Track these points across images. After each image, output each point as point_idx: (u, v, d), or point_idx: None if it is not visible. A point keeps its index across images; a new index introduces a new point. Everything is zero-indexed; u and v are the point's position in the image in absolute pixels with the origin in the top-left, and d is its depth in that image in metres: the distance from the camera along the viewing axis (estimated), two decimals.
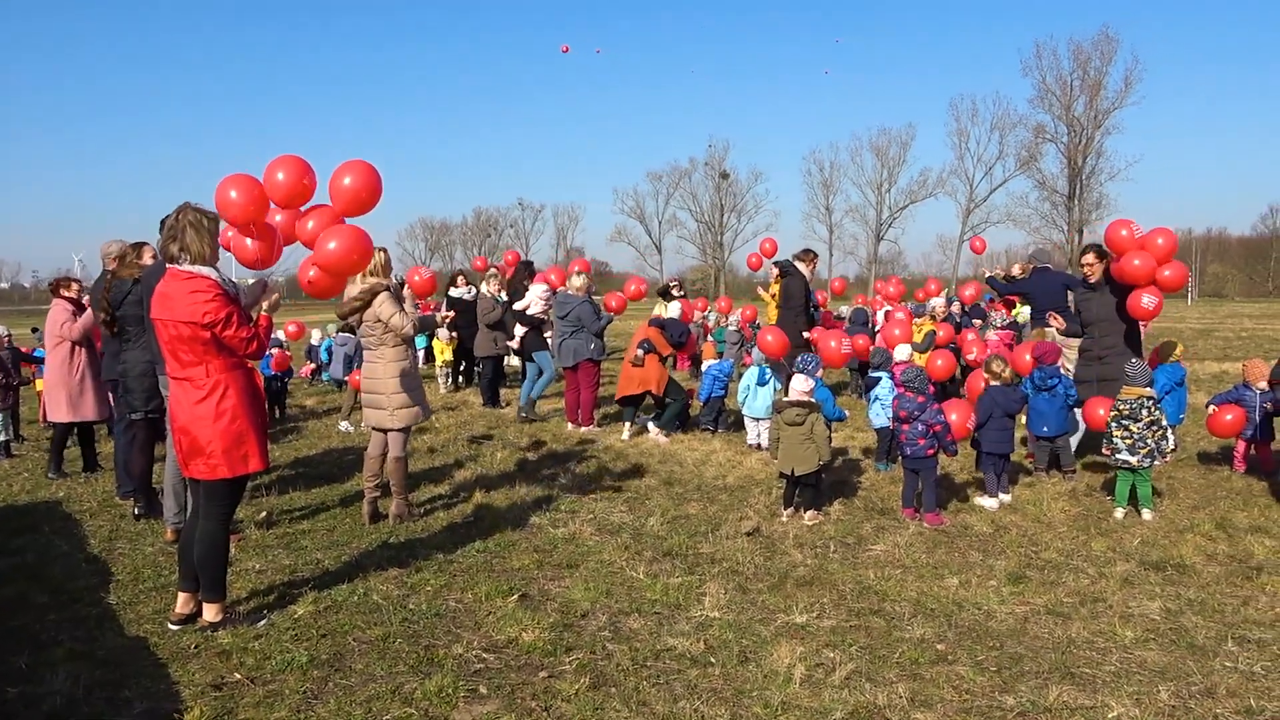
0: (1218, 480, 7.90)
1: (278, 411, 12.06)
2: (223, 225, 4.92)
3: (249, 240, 5.06)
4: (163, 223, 4.84)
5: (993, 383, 7.41)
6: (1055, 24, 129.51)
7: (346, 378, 12.33)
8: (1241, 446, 8.19)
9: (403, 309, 6.72)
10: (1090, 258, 8.31)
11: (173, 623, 4.69)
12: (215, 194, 4.92)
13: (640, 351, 9.95)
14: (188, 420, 4.56)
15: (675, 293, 17.28)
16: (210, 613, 4.66)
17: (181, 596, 4.77)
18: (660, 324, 10.16)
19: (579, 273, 10.65)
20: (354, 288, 6.63)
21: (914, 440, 6.68)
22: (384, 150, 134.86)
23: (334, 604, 5.00)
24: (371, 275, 6.68)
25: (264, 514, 6.82)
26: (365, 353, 6.84)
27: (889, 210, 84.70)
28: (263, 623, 4.71)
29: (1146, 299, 7.57)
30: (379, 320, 6.61)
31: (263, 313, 4.91)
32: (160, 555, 5.95)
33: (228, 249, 5.17)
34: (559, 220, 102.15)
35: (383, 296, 6.57)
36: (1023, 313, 13.09)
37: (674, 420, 10.17)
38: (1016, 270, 14.63)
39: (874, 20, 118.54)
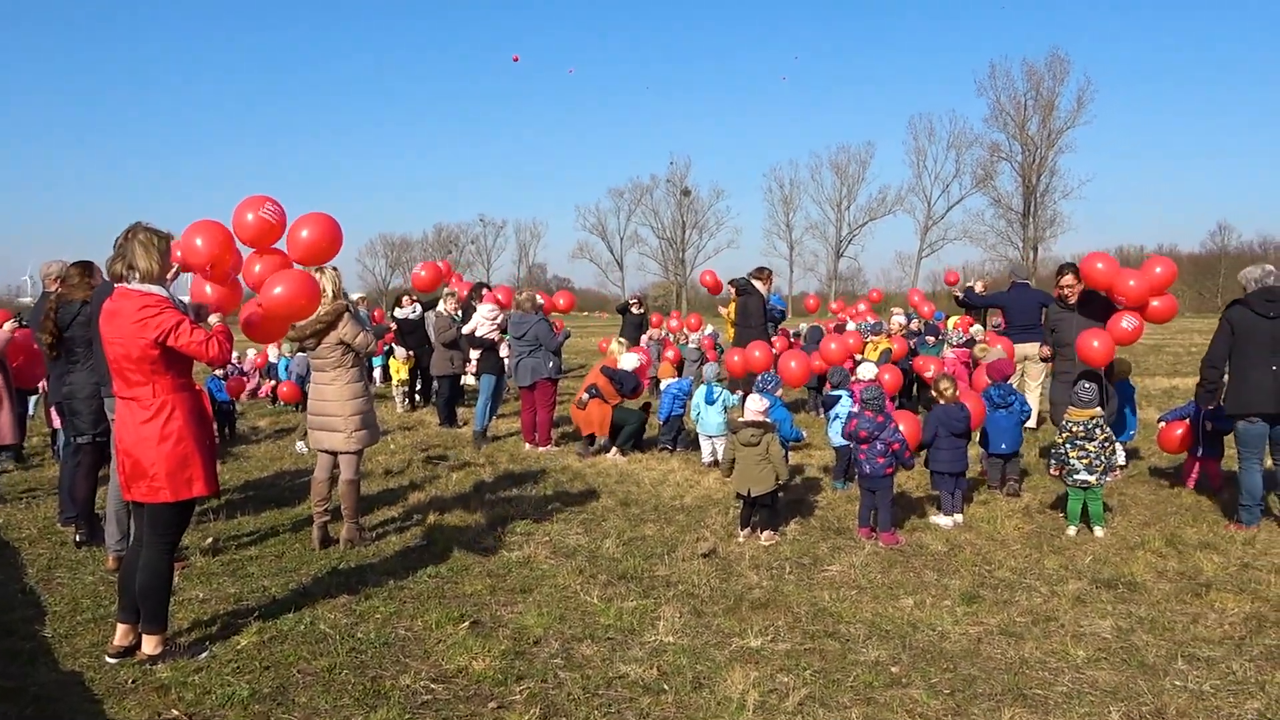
0: (1168, 496, 7.99)
1: (228, 431, 11.85)
2: (178, 253, 4.83)
3: (208, 287, 5.03)
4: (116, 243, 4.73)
5: (939, 401, 7.46)
6: (1009, 45, 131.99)
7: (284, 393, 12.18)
8: (1192, 464, 8.29)
9: (365, 328, 6.70)
10: (1069, 279, 8.29)
11: (110, 656, 4.54)
12: (181, 238, 4.89)
13: (586, 396, 9.99)
14: (132, 442, 4.45)
15: (635, 309, 17.31)
16: (150, 645, 4.52)
17: (120, 628, 4.62)
18: (611, 375, 10.08)
19: (520, 290, 10.66)
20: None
21: (873, 459, 6.69)
22: (343, 164, 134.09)
23: (279, 634, 4.88)
24: (324, 294, 6.61)
25: (210, 540, 6.67)
26: (317, 374, 6.72)
27: (848, 227, 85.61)
28: (204, 655, 4.58)
29: (1127, 321, 7.62)
30: (341, 342, 6.55)
31: (216, 325, 4.83)
32: (100, 584, 5.78)
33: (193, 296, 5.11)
34: (521, 236, 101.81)
35: (346, 318, 6.55)
36: (977, 330, 13.24)
37: (630, 440, 10.13)
38: (979, 287, 14.82)
39: (833, 39, 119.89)
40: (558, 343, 10.63)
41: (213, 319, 4.85)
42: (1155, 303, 7.73)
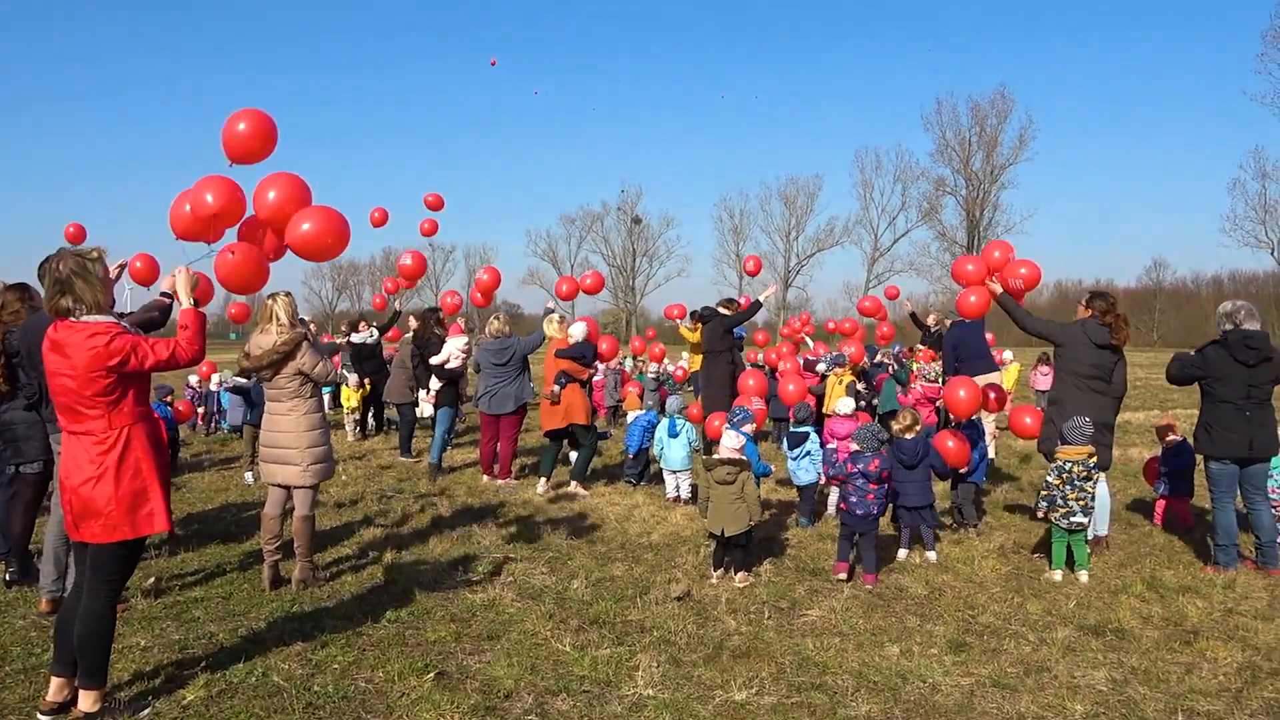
0: (1139, 536, 7.92)
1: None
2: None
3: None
4: (42, 268, 4.39)
5: (902, 436, 7.31)
6: (955, 82, 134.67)
7: (242, 424, 11.69)
8: (1160, 503, 8.25)
9: (323, 357, 6.38)
10: (1081, 307, 7.52)
11: (43, 713, 4.15)
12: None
13: (557, 387, 9.62)
14: (83, 479, 4.09)
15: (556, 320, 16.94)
16: (87, 701, 4.13)
17: (55, 682, 4.23)
18: (569, 354, 9.73)
19: (496, 316, 10.30)
20: (266, 338, 6.29)
21: (863, 498, 6.50)
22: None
23: (229, 687, 4.52)
24: (280, 323, 6.31)
25: (152, 580, 6.25)
26: (273, 405, 6.37)
27: (797, 258, 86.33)
28: (146, 712, 4.21)
29: (974, 297, 7.94)
30: (300, 372, 6.25)
31: (183, 306, 4.50)
32: (32, 630, 5.36)
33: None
34: (470, 261, 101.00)
35: (305, 346, 6.27)
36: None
37: (585, 468, 9.83)
38: (931, 320, 14.82)
39: (784, 71, 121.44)
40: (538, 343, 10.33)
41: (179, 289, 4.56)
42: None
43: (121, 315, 4.42)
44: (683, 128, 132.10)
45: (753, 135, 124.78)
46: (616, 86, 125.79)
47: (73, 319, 4.11)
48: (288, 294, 6.47)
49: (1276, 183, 61.89)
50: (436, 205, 14.09)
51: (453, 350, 10.94)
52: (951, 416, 8.22)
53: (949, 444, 7.40)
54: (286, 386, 6.26)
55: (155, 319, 5.84)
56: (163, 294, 4.97)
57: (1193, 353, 7.09)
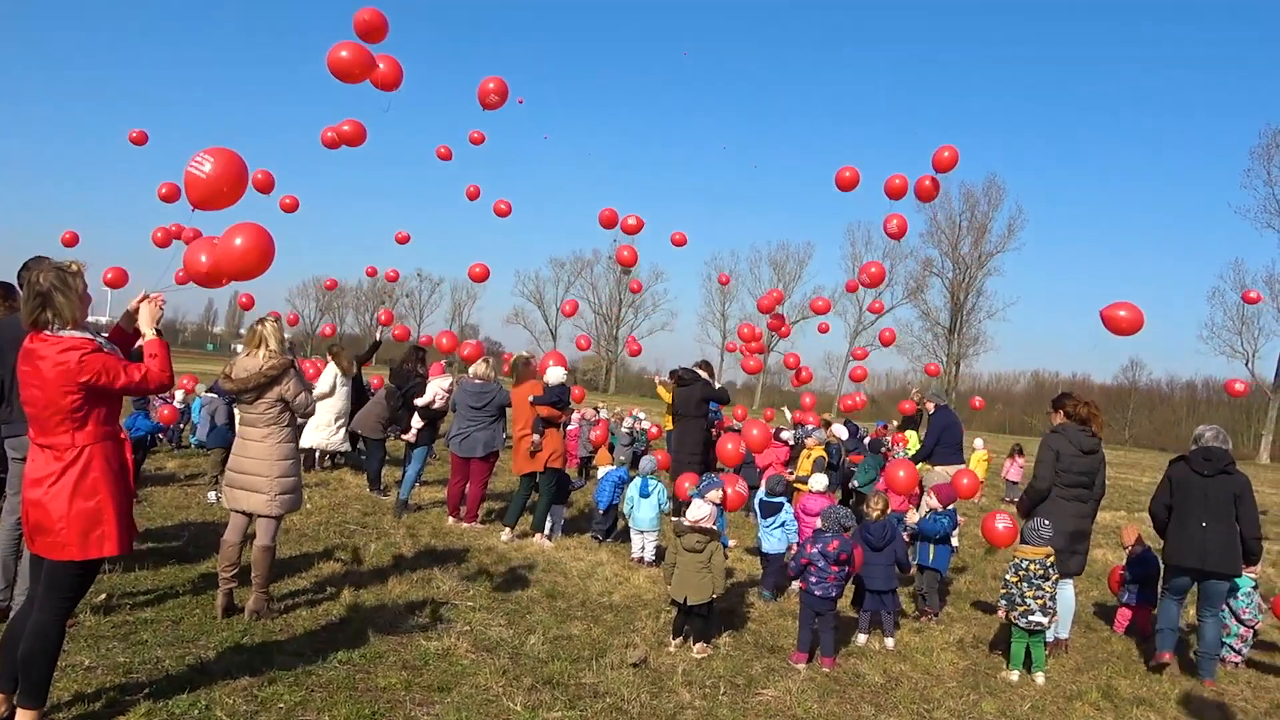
0: (1099, 641, 7.92)
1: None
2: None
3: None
4: (21, 275, 4.36)
5: (870, 517, 7.33)
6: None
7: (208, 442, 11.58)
8: (1123, 611, 8.27)
9: (307, 388, 6.35)
10: (1051, 411, 7.72)
11: None
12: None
13: (537, 437, 9.57)
14: (42, 492, 4.04)
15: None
16: None
17: None
18: (544, 401, 9.67)
19: (484, 359, 10.29)
20: (252, 360, 6.26)
21: (824, 581, 6.48)
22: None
23: (170, 717, 4.43)
24: (270, 349, 6.30)
25: (103, 596, 6.15)
26: (246, 429, 6.31)
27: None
28: None
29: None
30: (281, 399, 6.21)
31: (146, 338, 4.47)
32: None
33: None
34: (457, 295, 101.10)
35: (291, 373, 6.24)
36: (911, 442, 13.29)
37: (547, 519, 9.74)
38: (915, 395, 14.96)
39: (784, 140, 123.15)
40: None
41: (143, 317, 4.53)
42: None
43: (99, 333, 4.38)
44: (681, 184, 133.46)
45: (748, 198, 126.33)
46: (619, 135, 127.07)
47: (48, 332, 4.09)
48: (276, 318, 6.45)
49: None
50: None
51: (437, 390, 10.91)
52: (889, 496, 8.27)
53: (999, 525, 7.54)
54: (266, 413, 6.21)
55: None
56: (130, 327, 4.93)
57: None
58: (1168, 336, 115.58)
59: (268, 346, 6.28)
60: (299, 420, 6.59)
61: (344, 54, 7.09)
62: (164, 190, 11.85)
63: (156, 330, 4.53)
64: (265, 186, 11.02)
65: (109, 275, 14.36)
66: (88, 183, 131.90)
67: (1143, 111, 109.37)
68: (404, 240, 16.37)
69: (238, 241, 4.82)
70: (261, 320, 6.36)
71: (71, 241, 13.30)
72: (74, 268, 4.28)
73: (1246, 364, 64.49)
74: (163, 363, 4.34)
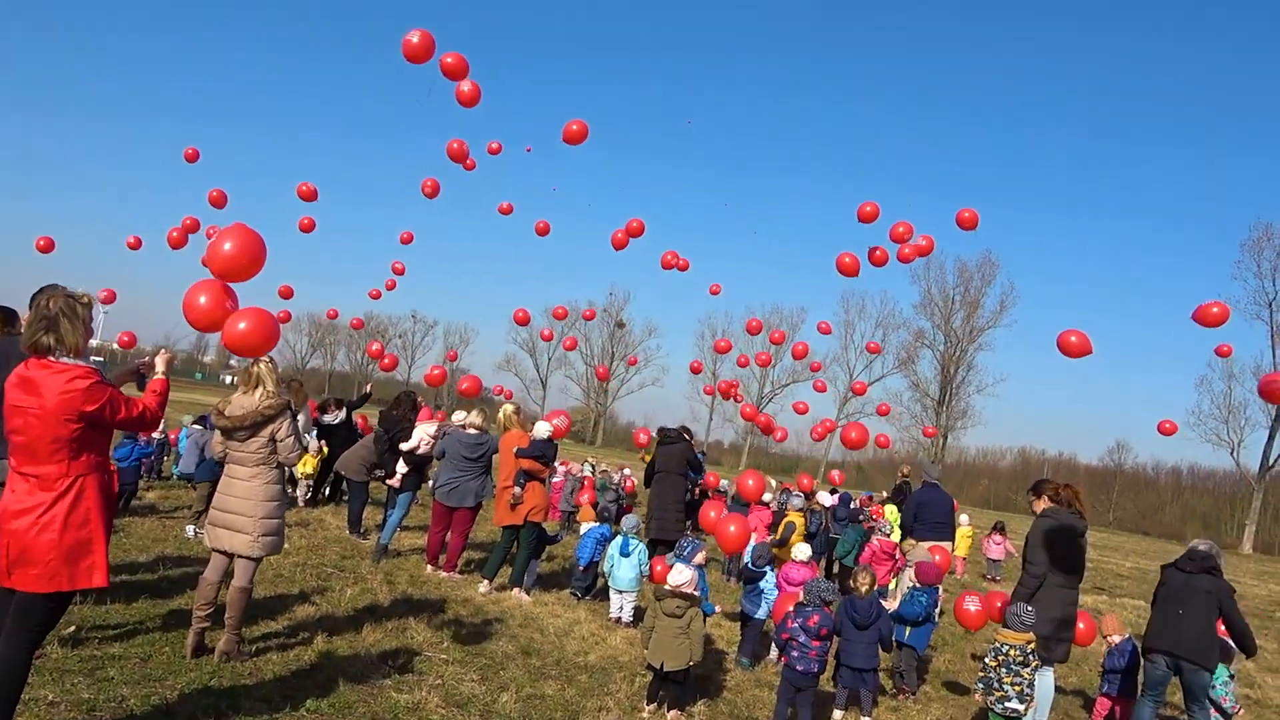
0: None
1: (123, 501, 11.03)
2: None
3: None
4: (33, 300, 4.38)
5: (857, 593, 7.28)
6: (946, 242, 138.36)
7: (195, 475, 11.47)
8: (1103, 701, 8.20)
9: (299, 437, 6.36)
10: (1032, 498, 7.61)
11: None
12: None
13: (518, 489, 9.54)
14: (28, 523, 4.01)
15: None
16: None
17: None
18: (527, 454, 9.63)
19: (480, 411, 10.28)
20: (248, 399, 6.25)
21: (805, 655, 6.42)
22: (284, 236, 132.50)
23: None
24: (268, 389, 6.31)
25: (72, 628, 6.06)
26: (234, 468, 6.26)
27: (771, 385, 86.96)
28: None
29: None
30: (273, 439, 6.19)
31: (157, 375, 4.52)
32: None
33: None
34: (450, 339, 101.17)
35: (286, 416, 6.25)
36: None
37: (526, 573, 9.65)
38: (904, 470, 14.97)
39: (781, 204, 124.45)
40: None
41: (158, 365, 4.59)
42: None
43: (101, 363, 4.41)
44: (680, 240, 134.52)
45: (745, 259, 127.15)
46: (620, 188, 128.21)
47: (51, 358, 4.10)
48: (270, 360, 6.45)
49: (1242, 385, 63.45)
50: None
51: (423, 435, 10.88)
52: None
53: (969, 607, 7.51)
54: (256, 452, 6.18)
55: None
56: (141, 362, 4.97)
57: None
58: (1155, 420, 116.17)
59: (265, 387, 6.28)
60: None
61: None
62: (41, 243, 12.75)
63: (165, 372, 4.61)
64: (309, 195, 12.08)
65: (102, 294, 14.84)
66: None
67: (1138, 200, 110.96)
68: (408, 240, 16.92)
69: (227, 246, 4.94)
70: (256, 360, 6.36)
71: (47, 248, 13.96)
72: (85, 299, 4.33)
73: (1232, 453, 64.74)
74: (162, 400, 4.39)
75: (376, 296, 17.70)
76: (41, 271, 61.07)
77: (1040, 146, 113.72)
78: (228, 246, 4.96)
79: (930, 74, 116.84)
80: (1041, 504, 7.45)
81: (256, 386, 6.30)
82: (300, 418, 12.13)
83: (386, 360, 16.18)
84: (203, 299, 4.84)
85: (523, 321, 15.07)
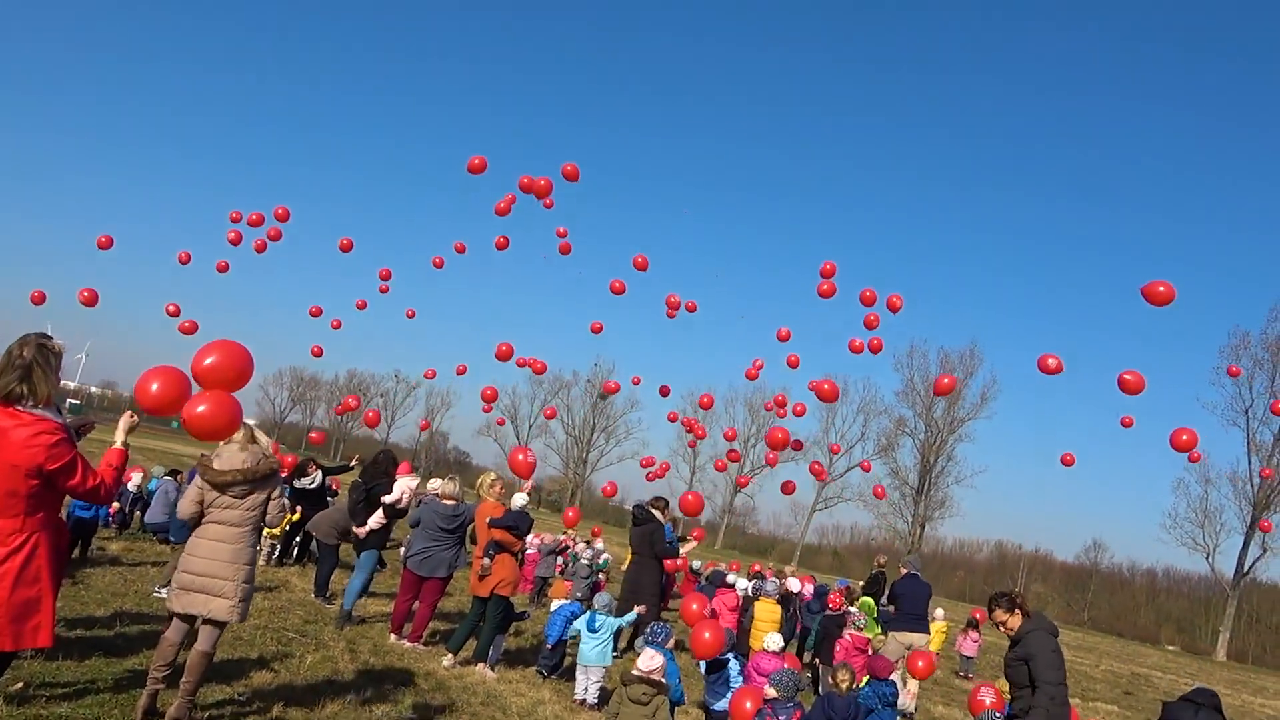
0: None
1: (77, 550, 10.81)
2: None
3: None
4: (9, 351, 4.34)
5: (836, 690, 7.17)
6: (930, 331, 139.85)
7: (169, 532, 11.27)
8: None
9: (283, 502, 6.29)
10: (1000, 613, 7.01)
11: None
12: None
13: (487, 560, 9.39)
14: None
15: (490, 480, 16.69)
16: None
17: None
18: (501, 524, 9.49)
19: (451, 477, 10.18)
20: (240, 454, 6.09)
21: None
22: (269, 294, 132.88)
23: None
24: (258, 442, 6.22)
25: (20, 685, 5.86)
26: (220, 527, 5.98)
27: (750, 465, 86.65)
28: None
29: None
30: (268, 499, 6.13)
31: (116, 445, 4.43)
32: None
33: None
34: (431, 401, 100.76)
35: (279, 479, 6.22)
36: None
37: (491, 647, 9.45)
38: (878, 561, 14.89)
39: (766, 288, 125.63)
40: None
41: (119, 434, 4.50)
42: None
43: (60, 411, 4.35)
44: (667, 318, 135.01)
45: (731, 337, 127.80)
46: (612, 261, 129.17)
47: (19, 408, 4.04)
48: (251, 423, 6.35)
49: (1218, 490, 63.61)
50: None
51: (404, 488, 10.74)
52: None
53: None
54: (248, 513, 6.03)
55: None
56: (86, 423, 4.90)
57: None
58: (1131, 520, 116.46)
59: (260, 444, 6.20)
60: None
61: None
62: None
63: (125, 441, 4.52)
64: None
65: (84, 294, 15.20)
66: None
67: (1117, 302, 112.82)
68: (386, 277, 17.48)
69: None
70: (244, 424, 6.27)
71: (39, 299, 14.27)
72: (57, 348, 4.29)
73: (1207, 558, 64.53)
74: (118, 474, 4.32)
75: (362, 306, 18.52)
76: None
77: (1028, 246, 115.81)
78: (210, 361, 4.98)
79: (934, 186, 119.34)
80: (1016, 619, 7.01)
81: (251, 443, 6.18)
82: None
83: (370, 414, 16.42)
84: (155, 385, 4.75)
85: (503, 357, 15.39)
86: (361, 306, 18.44)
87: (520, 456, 10.58)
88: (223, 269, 17.02)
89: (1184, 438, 8.22)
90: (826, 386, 14.45)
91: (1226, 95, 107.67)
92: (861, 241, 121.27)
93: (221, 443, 6.29)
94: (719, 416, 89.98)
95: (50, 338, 4.58)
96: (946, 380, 14.41)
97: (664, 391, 16.12)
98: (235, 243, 15.39)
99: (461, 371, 18.82)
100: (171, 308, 16.23)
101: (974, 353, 76.96)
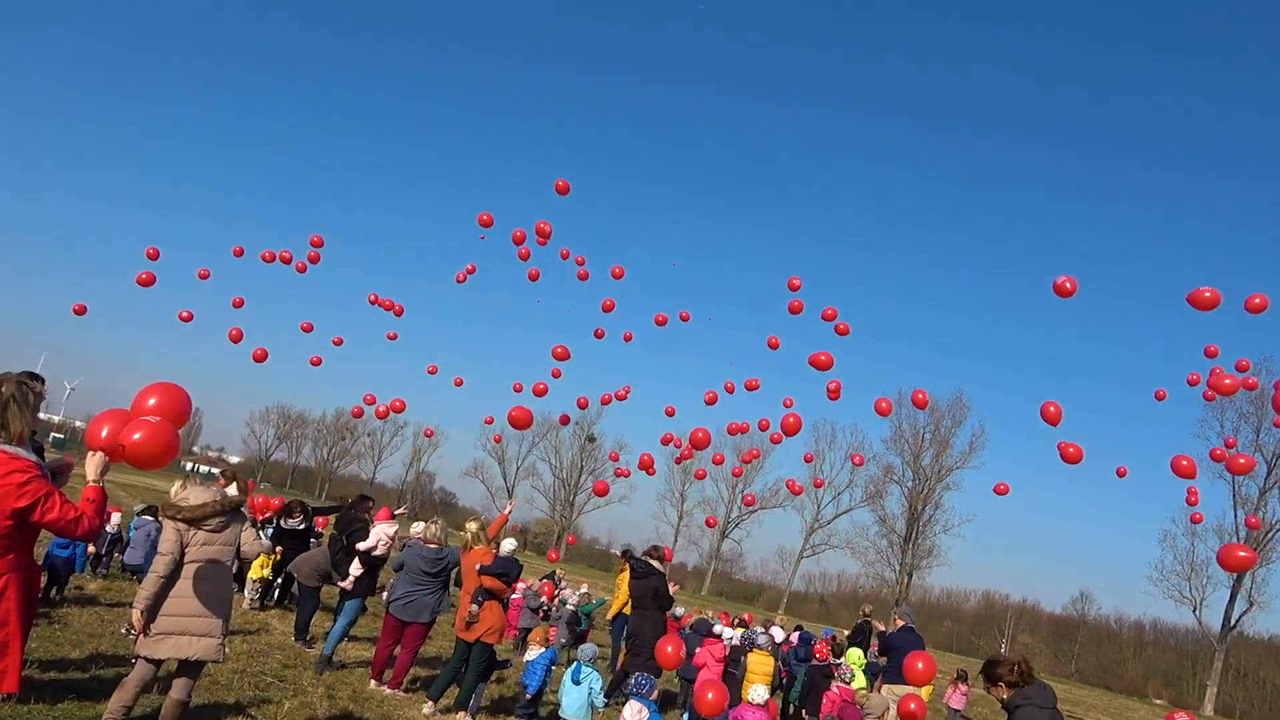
0: None
1: (54, 592, 10.64)
2: None
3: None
4: None
5: None
6: (920, 378, 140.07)
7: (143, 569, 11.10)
8: None
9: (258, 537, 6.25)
10: (987, 684, 6.55)
11: None
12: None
13: (475, 607, 9.26)
14: None
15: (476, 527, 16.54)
16: None
17: None
18: (490, 571, 9.38)
19: (434, 521, 10.08)
20: (206, 493, 6.04)
21: None
22: (259, 332, 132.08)
23: None
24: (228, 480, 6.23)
25: None
26: (202, 565, 5.85)
27: (739, 510, 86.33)
28: None
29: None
30: (242, 530, 6.10)
31: (91, 482, 4.36)
32: None
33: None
34: (418, 441, 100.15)
35: (243, 512, 6.16)
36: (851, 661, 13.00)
37: (471, 694, 9.29)
38: (866, 610, 14.78)
39: (753, 343, 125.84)
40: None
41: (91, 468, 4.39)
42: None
43: (39, 450, 4.31)
44: (658, 360, 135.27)
45: (721, 384, 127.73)
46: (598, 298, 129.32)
47: None
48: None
49: (1205, 543, 63.57)
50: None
51: (381, 535, 10.63)
52: None
53: None
54: (225, 548, 5.98)
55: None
56: (62, 462, 4.83)
57: None
58: (1119, 572, 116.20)
59: (228, 480, 6.20)
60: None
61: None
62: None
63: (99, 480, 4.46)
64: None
65: (76, 305, 15.91)
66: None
67: (1103, 358, 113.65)
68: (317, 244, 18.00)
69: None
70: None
71: (155, 255, 15.79)
72: (38, 387, 4.25)
73: (1194, 611, 64.41)
74: (99, 508, 4.24)
75: (340, 342, 19.28)
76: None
77: (1018, 302, 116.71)
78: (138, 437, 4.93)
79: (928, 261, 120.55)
80: (1002, 690, 6.72)
81: (228, 481, 6.21)
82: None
83: (381, 409, 16.94)
84: (104, 430, 4.69)
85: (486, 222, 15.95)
86: (338, 343, 18.92)
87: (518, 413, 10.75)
88: (205, 293, 17.55)
89: (1184, 463, 8.36)
90: (824, 358, 13.96)
91: (1219, 177, 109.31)
92: (850, 289, 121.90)
93: (176, 486, 6.23)
94: (705, 460, 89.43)
95: (36, 377, 4.55)
96: (921, 395, 14.45)
97: (644, 462, 16.08)
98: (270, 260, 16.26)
99: (459, 383, 19.43)
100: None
101: (960, 401, 77.17)
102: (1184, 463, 8.43)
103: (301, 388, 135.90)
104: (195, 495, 6.04)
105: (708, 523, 79.23)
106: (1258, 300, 10.17)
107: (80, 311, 17.70)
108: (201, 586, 5.85)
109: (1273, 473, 60.08)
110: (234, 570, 6.24)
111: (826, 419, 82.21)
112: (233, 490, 6.59)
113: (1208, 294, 8.77)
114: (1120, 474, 15.91)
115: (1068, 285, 8.82)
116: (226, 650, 5.98)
